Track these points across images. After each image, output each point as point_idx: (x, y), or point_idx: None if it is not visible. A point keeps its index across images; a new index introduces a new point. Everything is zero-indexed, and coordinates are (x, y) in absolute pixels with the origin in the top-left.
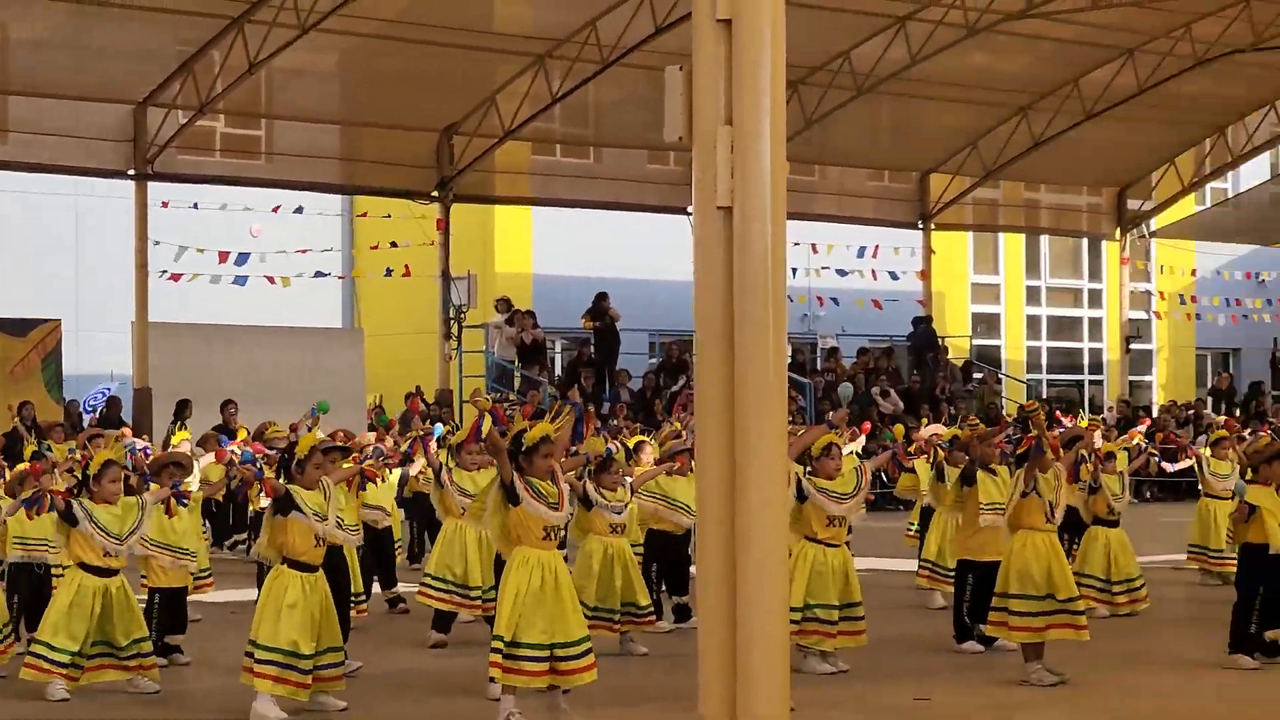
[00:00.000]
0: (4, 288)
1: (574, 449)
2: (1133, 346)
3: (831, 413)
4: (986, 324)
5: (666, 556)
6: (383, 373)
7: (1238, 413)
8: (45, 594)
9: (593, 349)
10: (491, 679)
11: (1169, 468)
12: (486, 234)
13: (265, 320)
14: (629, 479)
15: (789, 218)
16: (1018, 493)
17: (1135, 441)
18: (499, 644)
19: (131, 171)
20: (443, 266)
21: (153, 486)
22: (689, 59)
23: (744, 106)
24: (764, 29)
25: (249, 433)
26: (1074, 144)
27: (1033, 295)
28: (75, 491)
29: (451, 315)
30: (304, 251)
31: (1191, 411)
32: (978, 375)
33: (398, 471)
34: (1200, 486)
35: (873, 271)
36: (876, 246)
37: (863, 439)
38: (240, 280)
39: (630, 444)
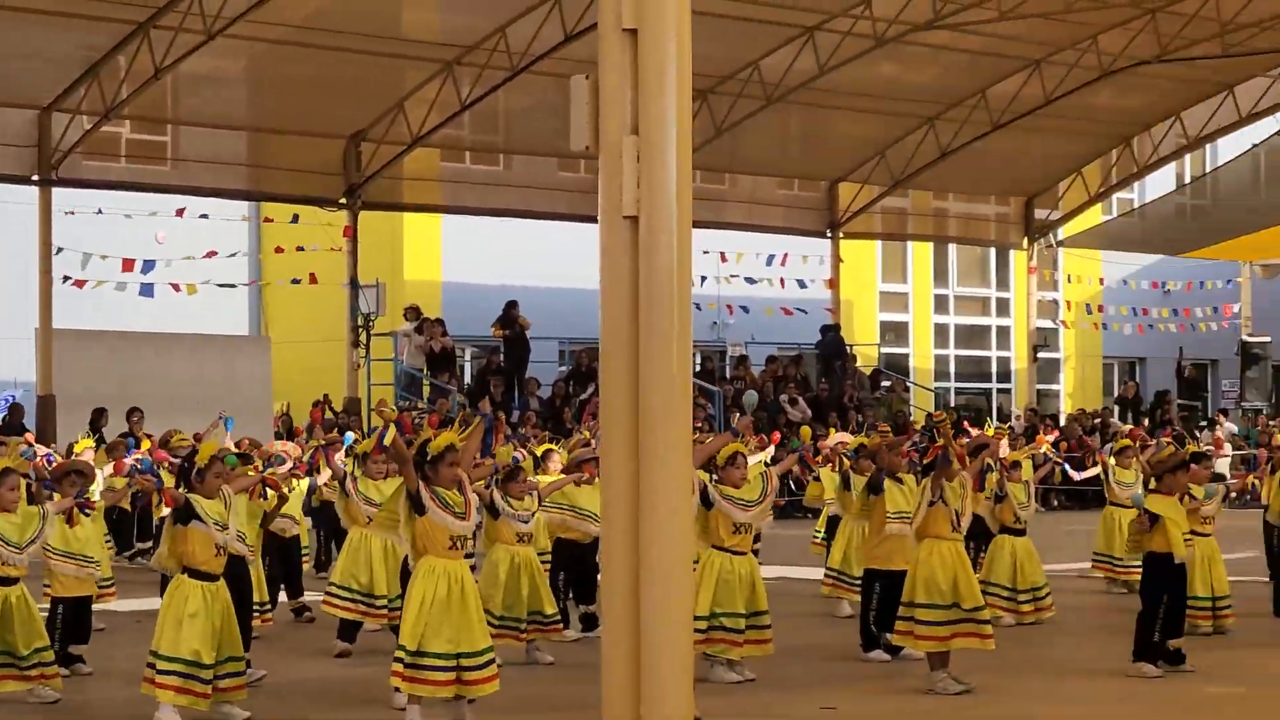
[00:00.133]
0: None
1: (486, 460)
2: (1040, 355)
3: (736, 420)
4: (894, 332)
5: (574, 565)
6: (290, 380)
7: (1147, 422)
8: None
9: (502, 357)
10: (396, 689)
11: (1076, 476)
12: (395, 241)
13: (171, 327)
14: (536, 488)
15: (698, 226)
16: (924, 502)
17: (1042, 450)
18: (402, 653)
19: (35, 177)
20: (351, 274)
21: (55, 495)
22: (596, 68)
23: (650, 116)
24: (669, 39)
25: (153, 441)
26: (981, 154)
27: (941, 304)
28: None
29: (359, 323)
30: (211, 255)
31: (1098, 420)
32: (885, 383)
33: (305, 480)
34: (1106, 495)
35: (781, 280)
36: (785, 255)
37: (771, 449)
38: (146, 288)
39: (538, 452)
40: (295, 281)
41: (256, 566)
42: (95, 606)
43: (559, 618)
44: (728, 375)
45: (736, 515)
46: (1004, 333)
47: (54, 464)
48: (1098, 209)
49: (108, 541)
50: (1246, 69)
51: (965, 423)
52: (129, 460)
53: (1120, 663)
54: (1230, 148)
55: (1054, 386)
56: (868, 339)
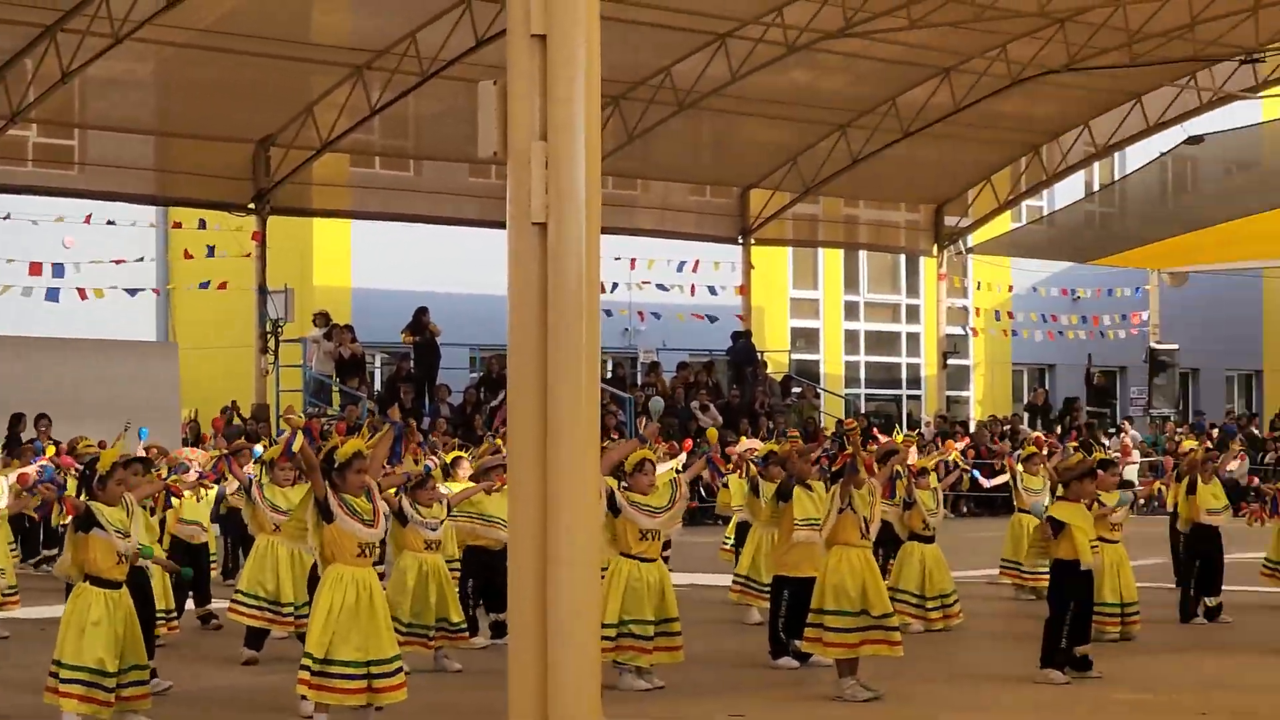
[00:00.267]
0: None
1: (396, 467)
2: (950, 362)
3: (643, 427)
4: (805, 339)
5: (484, 572)
6: (198, 387)
7: (1059, 429)
8: None
9: (412, 364)
10: (303, 697)
11: (986, 484)
12: (304, 247)
13: (78, 333)
14: (445, 496)
15: (609, 232)
16: (833, 509)
17: (951, 457)
18: (309, 661)
19: None
20: (259, 280)
21: None
22: (505, 73)
23: (558, 122)
24: (579, 44)
25: (57, 448)
26: (892, 161)
27: (851, 310)
28: None
29: (268, 329)
30: (119, 262)
31: (1008, 427)
32: (796, 390)
33: (215, 488)
34: (1014, 501)
35: (693, 286)
36: (697, 261)
37: (683, 455)
38: (52, 292)
39: (447, 459)
40: (203, 286)
41: (163, 572)
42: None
43: (465, 626)
44: (639, 382)
45: (643, 522)
46: (914, 339)
47: None
48: (1007, 216)
49: (13, 549)
50: (1154, 78)
51: (875, 430)
52: (32, 469)
53: (1028, 669)
54: (1138, 156)
55: (964, 393)
56: (779, 345)
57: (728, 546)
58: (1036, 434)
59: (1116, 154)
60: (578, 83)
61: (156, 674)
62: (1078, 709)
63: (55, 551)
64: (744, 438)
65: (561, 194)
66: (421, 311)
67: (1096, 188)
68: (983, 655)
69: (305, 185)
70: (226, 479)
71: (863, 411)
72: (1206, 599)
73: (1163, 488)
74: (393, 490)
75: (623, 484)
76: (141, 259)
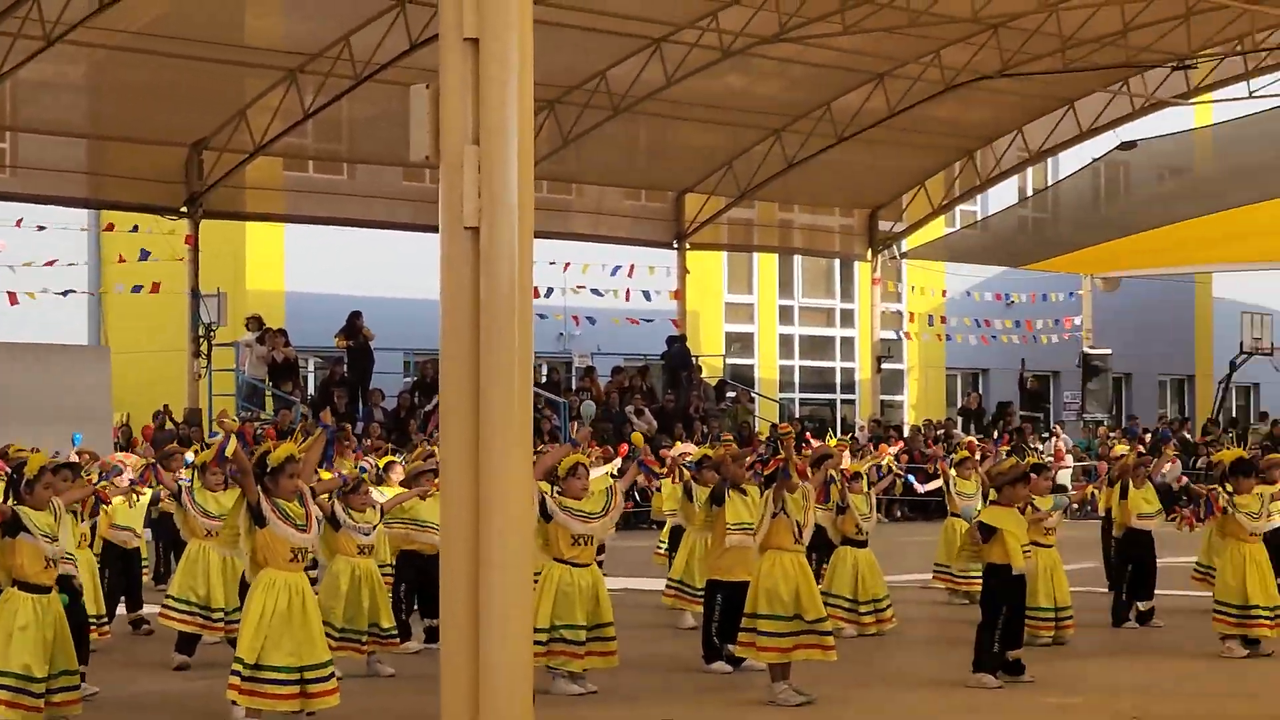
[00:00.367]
0: None
1: (330, 472)
2: (884, 366)
3: (575, 431)
4: (740, 343)
5: (419, 577)
6: (130, 391)
7: (995, 434)
8: None
9: (346, 368)
10: (233, 703)
11: (920, 489)
12: (237, 251)
13: (9, 336)
14: (380, 501)
15: (544, 236)
16: (767, 514)
17: (885, 461)
18: (239, 666)
19: None
20: (192, 283)
21: None
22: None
23: (491, 126)
24: (511, 49)
25: None
26: (827, 166)
27: (786, 315)
28: None
29: (201, 333)
30: (50, 264)
31: (942, 431)
32: (731, 394)
33: (149, 493)
34: (947, 506)
35: (627, 291)
36: (632, 266)
37: (618, 460)
38: None
39: (380, 464)
40: (136, 290)
41: (95, 578)
42: None
43: (396, 631)
44: (573, 387)
45: (575, 528)
46: (848, 344)
47: None
48: (941, 221)
49: None
50: (1086, 84)
51: (808, 434)
52: None
53: (961, 673)
54: (1071, 162)
55: (898, 397)
56: (713, 350)
57: (662, 551)
58: (970, 438)
59: (1049, 159)
60: (510, 86)
61: (84, 678)
62: (1010, 714)
63: None
64: (678, 442)
65: (494, 198)
66: (355, 316)
67: (1030, 193)
68: (916, 660)
69: (238, 189)
70: (155, 486)
71: (797, 416)
72: (1139, 603)
73: (1095, 492)
74: (326, 495)
75: (556, 489)
76: (74, 263)
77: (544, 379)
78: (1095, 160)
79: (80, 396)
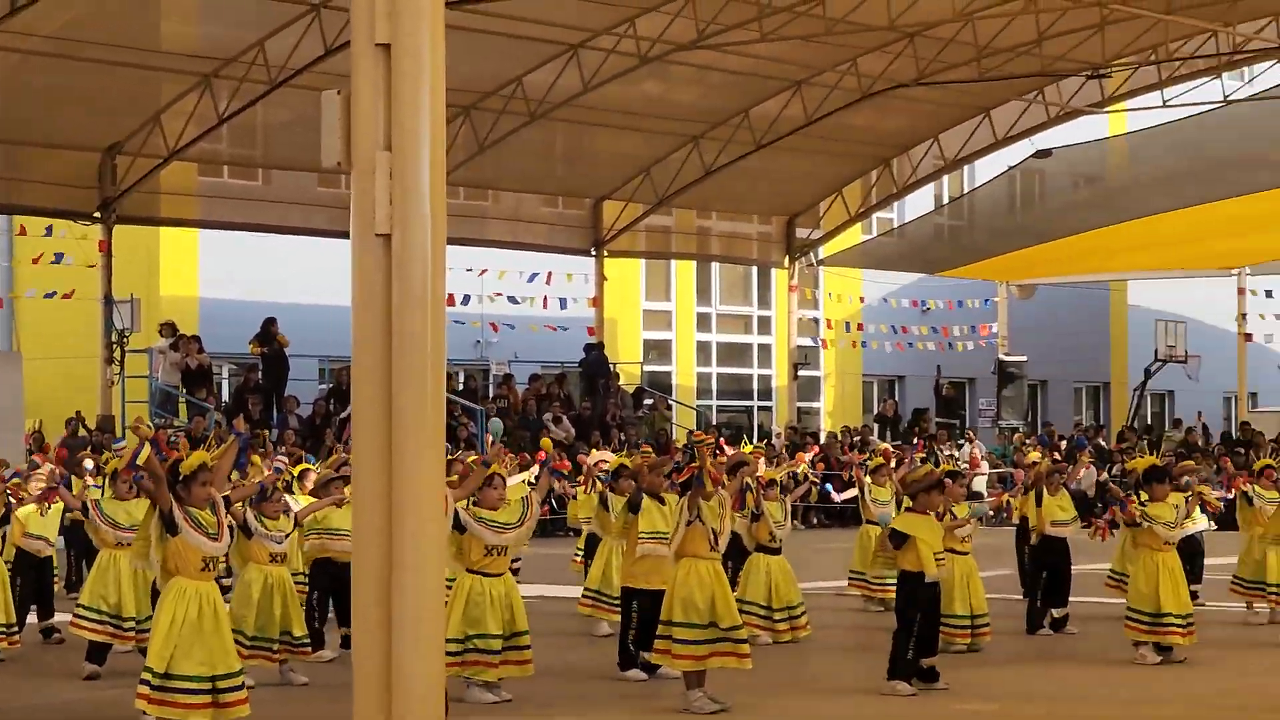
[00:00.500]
0: None
1: (246, 480)
2: (801, 373)
3: (489, 446)
4: (658, 350)
5: (333, 584)
6: (42, 397)
7: (915, 439)
8: None
9: (260, 375)
10: (142, 712)
11: (837, 497)
12: (151, 256)
13: None
14: (293, 509)
15: (461, 243)
16: (682, 521)
17: (800, 469)
18: (149, 675)
19: None
20: (105, 289)
21: None
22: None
23: (403, 132)
24: (423, 54)
25: None
26: (744, 173)
27: (703, 322)
28: None
29: (114, 339)
30: None
31: (858, 438)
32: (648, 401)
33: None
34: (862, 513)
35: (545, 298)
36: (550, 273)
37: (535, 467)
38: None
39: (294, 472)
40: (49, 296)
41: (5, 586)
42: None
43: (308, 639)
44: (490, 394)
45: (489, 538)
46: (765, 351)
47: None
48: (858, 228)
49: None
50: (1002, 93)
51: (723, 441)
52: None
53: (875, 681)
54: (986, 170)
55: (814, 404)
56: (631, 357)
57: (578, 559)
58: (885, 445)
59: (965, 167)
60: (422, 92)
61: None
62: None
63: None
64: (594, 449)
65: (406, 205)
66: (270, 322)
67: (946, 200)
68: (830, 667)
69: (152, 194)
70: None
71: (714, 423)
72: (1053, 610)
73: (1010, 499)
74: (240, 503)
75: (471, 498)
76: None
77: (461, 386)
78: (1011, 168)
79: None
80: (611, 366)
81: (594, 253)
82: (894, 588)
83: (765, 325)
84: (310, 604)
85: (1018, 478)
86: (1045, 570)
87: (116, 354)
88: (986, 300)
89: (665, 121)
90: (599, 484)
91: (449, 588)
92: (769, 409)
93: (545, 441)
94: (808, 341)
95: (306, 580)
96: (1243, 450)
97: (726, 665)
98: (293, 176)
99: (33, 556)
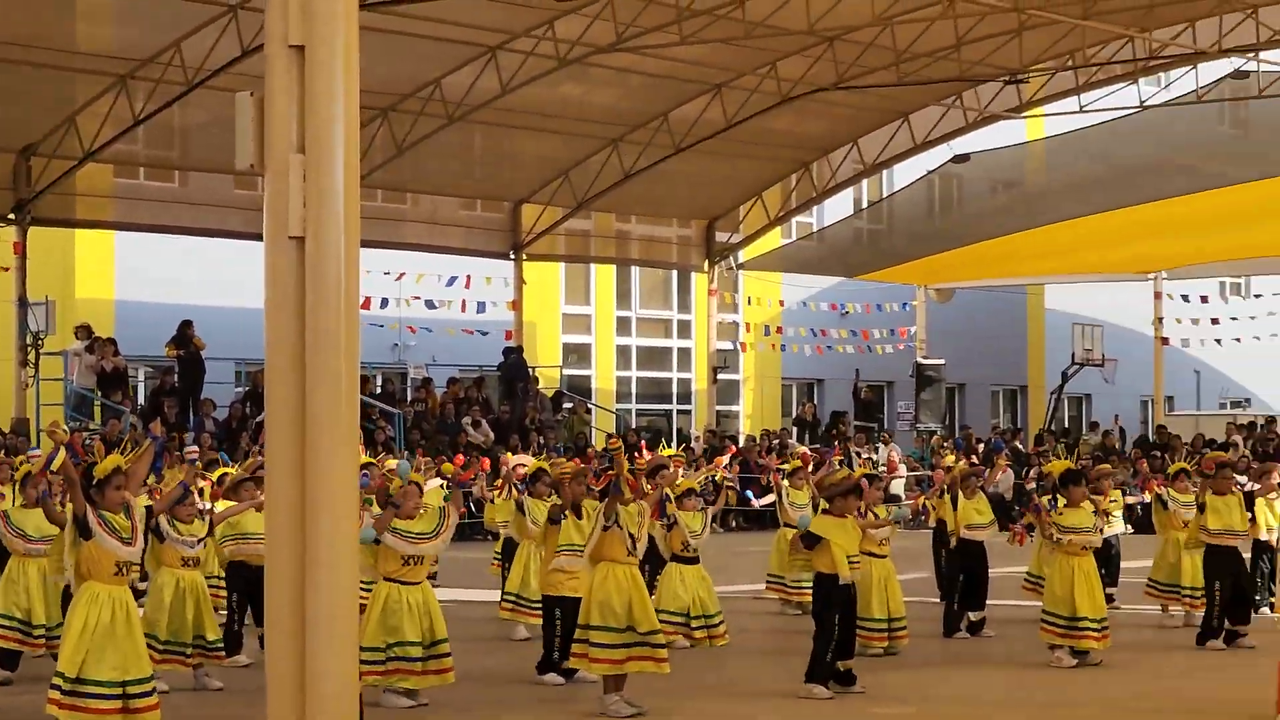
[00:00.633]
0: None
1: (162, 486)
2: (720, 377)
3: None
4: (577, 354)
5: (249, 588)
6: None
7: (834, 443)
8: None
9: (176, 378)
10: (53, 717)
11: (756, 503)
12: (66, 258)
13: None
14: (209, 512)
15: (378, 246)
16: (598, 526)
17: (718, 475)
18: (60, 680)
19: None
20: (19, 291)
21: None
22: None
23: (317, 134)
24: (337, 56)
25: None
26: (664, 177)
27: (623, 326)
28: None
29: (29, 342)
30: None
31: (777, 441)
32: (568, 405)
33: None
34: (779, 516)
35: (463, 301)
36: (468, 276)
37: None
38: None
39: (214, 476)
40: None
41: None
42: None
43: (222, 644)
44: (409, 398)
45: (405, 549)
46: (685, 354)
47: None
48: (777, 232)
49: None
50: (920, 98)
51: (643, 445)
52: None
53: (793, 684)
54: (905, 174)
55: (734, 408)
56: (550, 361)
57: (496, 562)
58: (803, 449)
59: (884, 171)
60: (336, 94)
61: None
62: None
63: None
64: (510, 453)
65: (320, 207)
66: (186, 325)
67: (865, 205)
68: (748, 670)
69: (68, 196)
70: None
71: (634, 426)
72: (970, 613)
73: (928, 503)
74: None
75: (393, 505)
76: None
77: (379, 389)
78: (929, 173)
79: None
80: (530, 370)
81: (513, 256)
82: (811, 591)
83: (685, 329)
84: (230, 607)
85: (937, 479)
86: (962, 573)
87: (31, 357)
88: (905, 304)
89: (584, 124)
90: (514, 491)
91: (366, 593)
92: (688, 413)
93: (446, 467)
94: (727, 345)
95: (224, 583)
96: (1159, 454)
97: (644, 669)
98: (209, 178)
99: None
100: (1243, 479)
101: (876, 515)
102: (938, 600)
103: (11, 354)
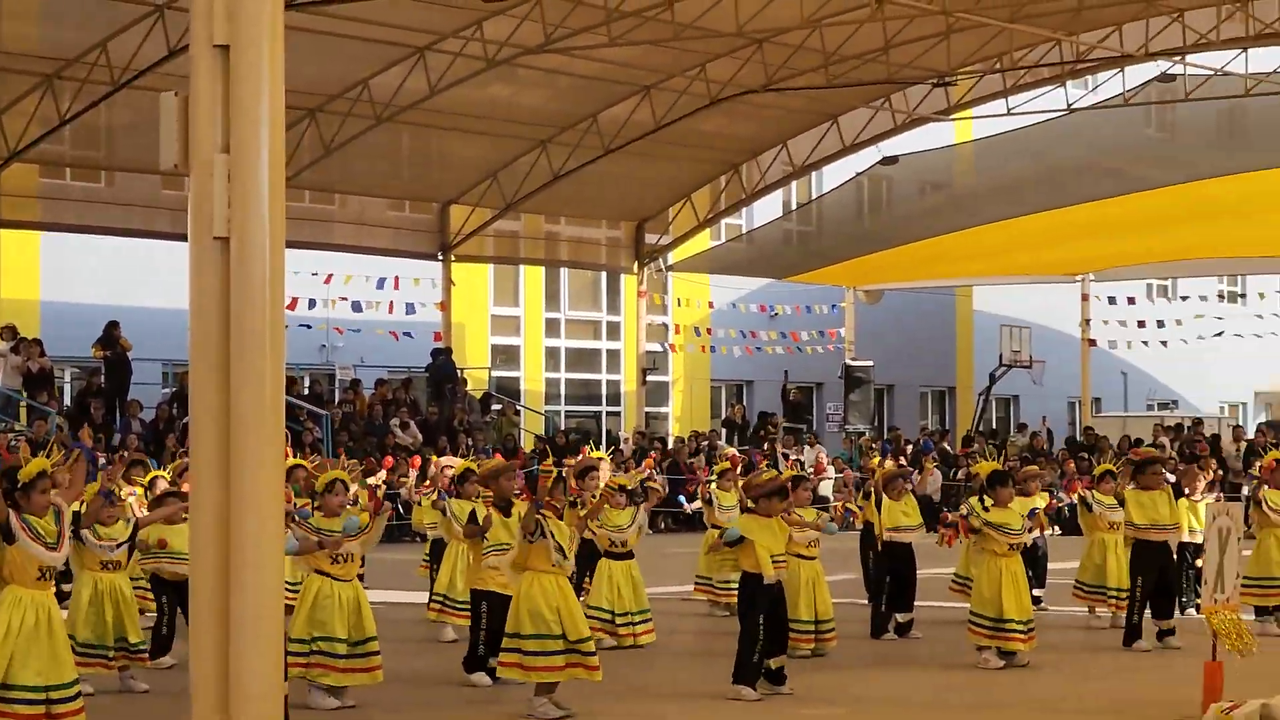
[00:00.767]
0: None
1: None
2: (649, 378)
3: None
4: (506, 355)
5: (181, 588)
6: None
7: (764, 444)
8: None
9: (103, 379)
10: None
11: (689, 508)
12: None
13: None
14: (134, 516)
15: (306, 247)
16: (520, 538)
17: (645, 475)
18: None
19: None
20: None
21: None
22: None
23: (242, 135)
24: (262, 56)
25: None
26: (593, 178)
27: (552, 327)
28: None
29: None
30: None
31: (706, 443)
32: (496, 407)
33: None
34: (706, 518)
35: (391, 303)
36: (397, 277)
37: (383, 473)
38: None
39: (145, 480)
40: None
41: None
42: None
43: (145, 646)
44: (337, 399)
45: (332, 549)
46: (614, 356)
47: None
48: (706, 234)
49: None
50: (849, 100)
51: (582, 448)
52: None
53: (721, 685)
54: (834, 176)
55: (663, 409)
56: (479, 362)
57: (425, 564)
58: (731, 450)
59: (813, 173)
60: (261, 94)
61: None
62: None
63: None
64: (436, 456)
65: (245, 208)
66: (112, 326)
67: (794, 206)
68: (676, 671)
69: None
70: None
71: (563, 428)
72: (898, 615)
73: (848, 505)
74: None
75: (315, 505)
76: None
77: (306, 391)
78: (858, 174)
79: None
80: (459, 371)
81: (441, 257)
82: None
83: (614, 331)
84: (160, 608)
85: (866, 476)
86: (890, 575)
87: None
88: (834, 305)
89: (513, 125)
90: (435, 496)
91: (296, 591)
92: (618, 414)
93: (366, 490)
94: (656, 347)
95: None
96: (1086, 455)
97: (577, 677)
98: (136, 179)
99: None
100: (1171, 478)
101: (801, 516)
102: (866, 602)
103: None
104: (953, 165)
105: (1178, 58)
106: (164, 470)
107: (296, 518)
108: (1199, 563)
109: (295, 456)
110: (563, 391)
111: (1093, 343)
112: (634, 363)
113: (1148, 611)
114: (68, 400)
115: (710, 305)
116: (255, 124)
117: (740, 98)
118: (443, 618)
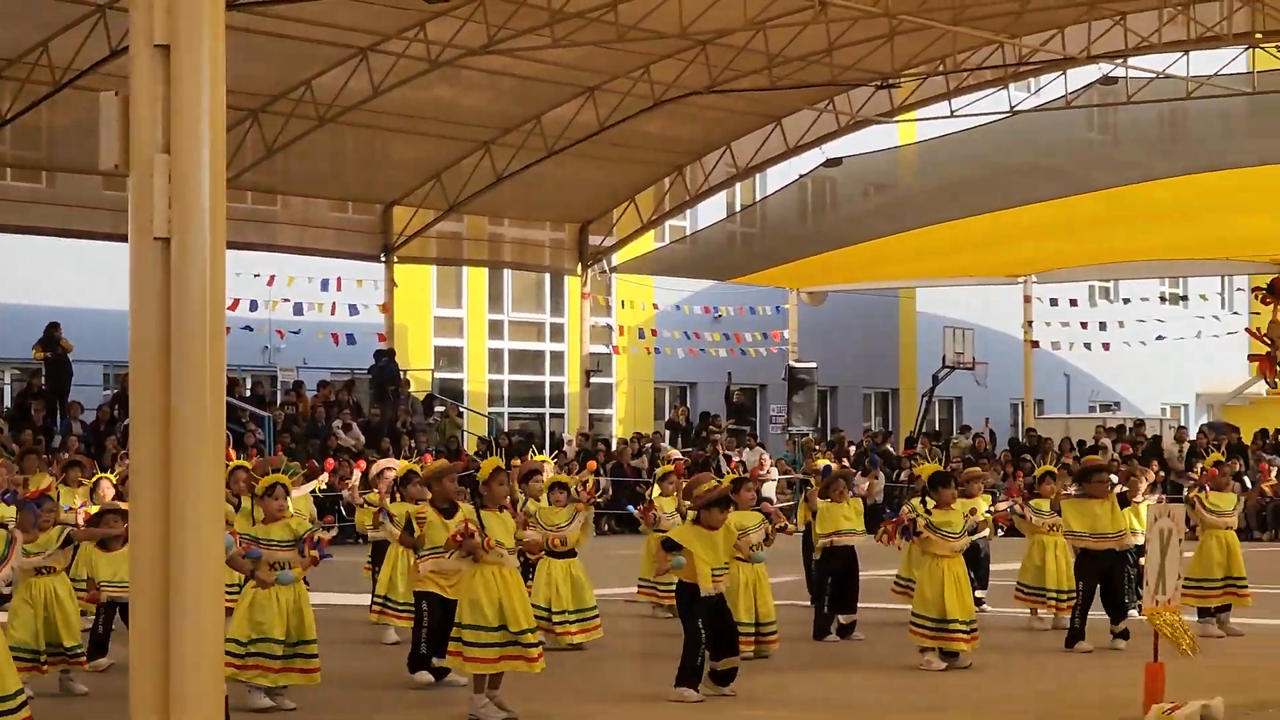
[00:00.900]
0: None
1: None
2: (593, 380)
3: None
4: (449, 357)
5: None
6: None
7: (708, 445)
8: None
9: (44, 380)
10: None
11: (635, 512)
12: None
13: None
14: (73, 521)
15: (248, 248)
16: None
17: (588, 480)
18: None
19: None
20: None
21: None
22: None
23: (182, 135)
24: (203, 56)
25: None
26: (537, 180)
27: (495, 329)
28: None
29: None
30: None
31: (649, 444)
32: (440, 408)
33: None
34: (645, 522)
35: (334, 304)
36: (339, 279)
37: (325, 476)
38: None
39: (89, 484)
40: None
41: None
42: None
43: (81, 649)
44: (279, 401)
45: (276, 554)
46: (558, 358)
47: None
48: (650, 235)
49: None
50: (792, 102)
51: (518, 455)
52: None
53: (664, 687)
54: (778, 178)
55: (606, 411)
56: (422, 364)
57: (368, 566)
58: (674, 452)
59: (757, 175)
60: (202, 94)
61: None
62: None
63: None
64: (377, 458)
65: (185, 209)
66: (53, 327)
67: (738, 208)
68: (619, 673)
69: None
70: None
71: (506, 430)
72: (840, 616)
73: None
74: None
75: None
76: None
77: (249, 393)
78: (802, 176)
79: None
80: (402, 373)
81: (384, 259)
82: None
83: (558, 332)
84: (98, 610)
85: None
86: (832, 577)
87: None
88: (777, 307)
89: (456, 127)
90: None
91: (237, 594)
92: (561, 416)
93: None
94: (600, 348)
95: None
96: (1029, 456)
97: (516, 669)
98: (77, 179)
99: None
100: (1114, 478)
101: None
102: (808, 604)
103: None
104: (896, 167)
105: (1119, 60)
106: (110, 474)
107: (246, 555)
108: (1141, 563)
109: (238, 458)
110: (506, 393)
111: (1035, 344)
112: (577, 364)
113: (1091, 614)
114: (8, 402)
115: (654, 307)
116: (196, 124)
117: (684, 99)
118: (384, 619)
